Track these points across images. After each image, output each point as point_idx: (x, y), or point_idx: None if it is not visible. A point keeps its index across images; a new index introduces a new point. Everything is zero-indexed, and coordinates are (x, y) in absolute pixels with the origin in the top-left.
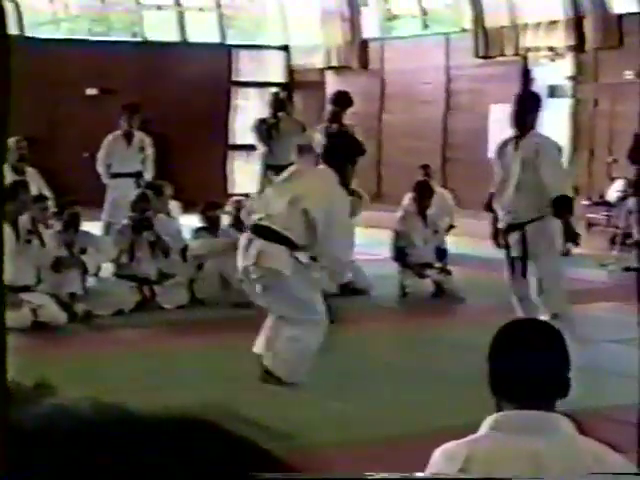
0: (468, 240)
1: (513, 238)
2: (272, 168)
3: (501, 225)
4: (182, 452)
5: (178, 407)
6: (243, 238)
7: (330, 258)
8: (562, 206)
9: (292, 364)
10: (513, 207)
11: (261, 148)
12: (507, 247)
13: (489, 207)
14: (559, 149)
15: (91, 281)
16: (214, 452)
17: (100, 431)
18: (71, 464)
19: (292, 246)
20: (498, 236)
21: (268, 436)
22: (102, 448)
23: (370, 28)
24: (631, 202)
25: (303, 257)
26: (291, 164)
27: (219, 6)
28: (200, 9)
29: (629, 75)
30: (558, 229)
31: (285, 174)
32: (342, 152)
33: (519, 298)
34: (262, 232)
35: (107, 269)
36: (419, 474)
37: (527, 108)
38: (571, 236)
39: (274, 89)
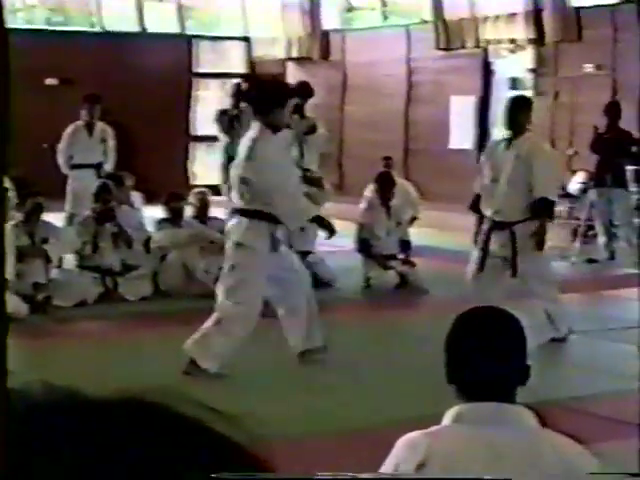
0: (431, 232)
1: (500, 237)
2: (234, 159)
3: (485, 225)
4: (133, 434)
5: (133, 391)
6: None
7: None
8: (543, 209)
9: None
10: (502, 207)
11: (223, 139)
12: (486, 245)
13: (474, 208)
14: (552, 153)
15: (54, 272)
16: (165, 434)
17: (50, 412)
18: (22, 445)
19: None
20: (478, 236)
21: (227, 423)
22: (52, 429)
23: (330, 19)
24: (592, 194)
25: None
26: None
27: None
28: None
29: (589, 68)
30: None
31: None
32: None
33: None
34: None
35: (70, 260)
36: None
37: (519, 110)
38: (539, 243)
39: (235, 80)
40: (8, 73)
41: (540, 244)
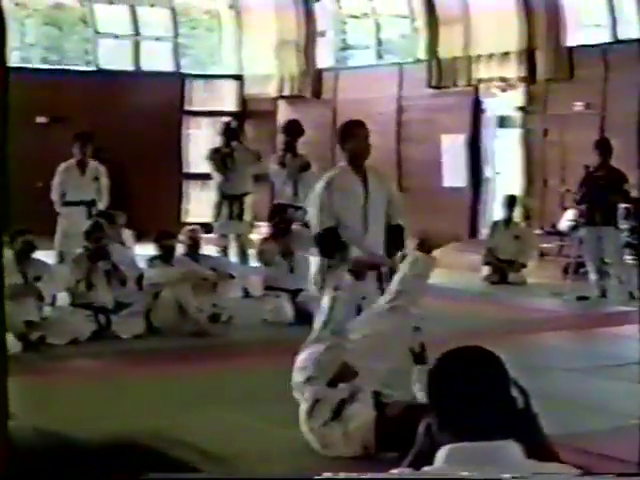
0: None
1: None
2: (228, 197)
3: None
4: (115, 476)
5: (119, 434)
6: None
7: None
8: (397, 237)
9: None
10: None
11: (217, 177)
12: None
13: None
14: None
15: (47, 310)
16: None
17: (40, 457)
18: None
19: None
20: None
21: (208, 461)
22: (41, 473)
23: (325, 58)
24: (582, 231)
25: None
26: (247, 193)
27: (176, 36)
28: (157, 38)
29: (579, 107)
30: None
31: None
32: None
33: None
34: None
35: (63, 298)
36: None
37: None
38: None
39: (226, 118)
40: (7, 110)
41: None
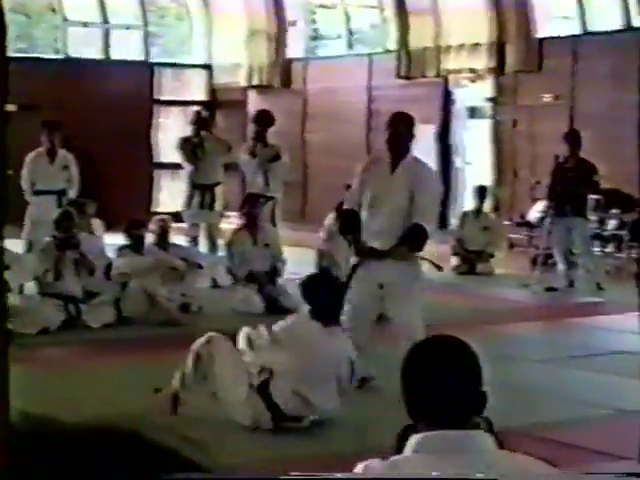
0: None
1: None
2: (199, 187)
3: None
4: (105, 459)
5: (103, 419)
6: None
7: None
8: (416, 237)
9: None
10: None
11: (188, 167)
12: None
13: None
14: (438, 183)
15: (15, 299)
16: (135, 459)
17: (29, 441)
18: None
19: None
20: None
21: (189, 445)
22: (31, 456)
23: (295, 48)
24: (551, 222)
25: None
26: (218, 183)
27: (146, 24)
28: (126, 27)
29: (547, 97)
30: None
31: None
32: None
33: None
34: None
35: (31, 288)
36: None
37: (402, 130)
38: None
39: (196, 107)
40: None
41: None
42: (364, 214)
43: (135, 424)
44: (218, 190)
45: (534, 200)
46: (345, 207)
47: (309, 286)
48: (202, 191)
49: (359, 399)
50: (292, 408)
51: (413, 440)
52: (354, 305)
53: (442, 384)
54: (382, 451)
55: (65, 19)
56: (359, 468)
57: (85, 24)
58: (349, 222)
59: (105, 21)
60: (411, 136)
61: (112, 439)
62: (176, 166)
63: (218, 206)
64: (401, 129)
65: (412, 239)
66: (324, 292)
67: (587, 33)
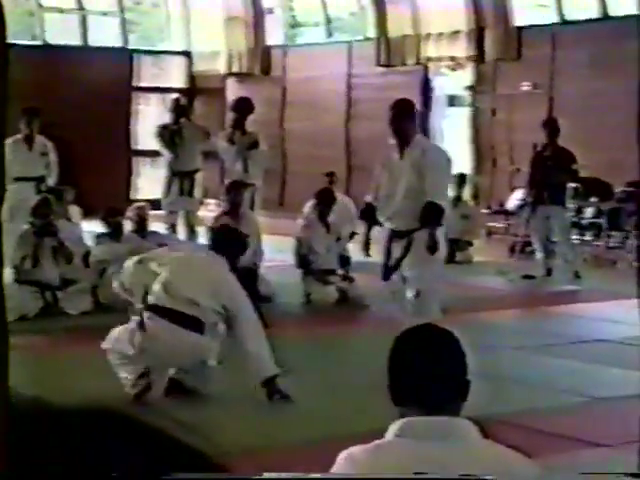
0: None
1: (399, 246)
2: (178, 174)
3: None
4: (99, 441)
5: (96, 400)
6: None
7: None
8: (431, 214)
9: None
10: (399, 215)
11: (166, 154)
12: (388, 255)
13: (364, 216)
14: (447, 158)
15: None
16: (129, 441)
17: (20, 419)
18: None
19: None
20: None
21: (181, 427)
22: (26, 437)
23: (274, 35)
24: (529, 211)
25: None
26: (196, 170)
27: (122, 10)
28: (103, 13)
29: (526, 86)
30: (440, 237)
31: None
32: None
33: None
34: None
35: (8, 275)
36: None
37: (404, 115)
38: (430, 249)
39: (175, 95)
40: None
41: (431, 250)
42: (381, 200)
43: (121, 407)
44: (197, 177)
45: (513, 188)
46: (365, 199)
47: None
48: (181, 178)
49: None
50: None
51: (396, 425)
52: None
53: (427, 371)
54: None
55: (40, 5)
56: (341, 458)
57: (61, 10)
58: (367, 214)
59: (81, 7)
60: (413, 120)
61: (102, 420)
62: (155, 153)
63: (197, 193)
64: (403, 114)
65: (428, 218)
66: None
67: (565, 22)
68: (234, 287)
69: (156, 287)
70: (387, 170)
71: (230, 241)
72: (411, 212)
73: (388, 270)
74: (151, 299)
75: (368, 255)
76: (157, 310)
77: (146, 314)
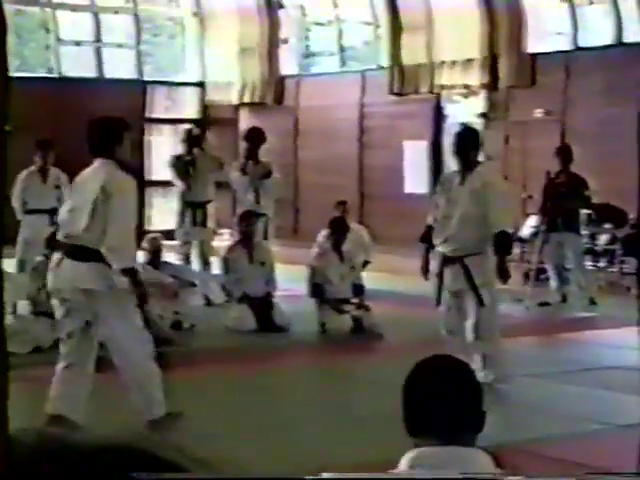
0: (385, 276)
1: (452, 271)
2: (191, 205)
3: (437, 258)
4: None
5: (114, 437)
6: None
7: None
8: (503, 243)
9: None
10: (455, 240)
11: (179, 185)
12: (441, 279)
13: (424, 239)
14: (505, 184)
15: (8, 319)
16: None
17: (44, 459)
18: None
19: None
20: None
21: (198, 464)
22: (46, 476)
23: (288, 65)
24: (544, 238)
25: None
26: (209, 201)
27: (138, 43)
28: (119, 45)
29: (539, 113)
30: (493, 263)
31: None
32: None
33: (449, 331)
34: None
35: (24, 307)
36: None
37: (468, 143)
38: (503, 275)
39: (188, 125)
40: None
41: (504, 276)
42: (437, 223)
43: (138, 441)
44: (210, 208)
45: (526, 215)
46: (427, 223)
47: None
48: (193, 209)
49: None
50: None
51: (409, 455)
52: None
53: (442, 403)
54: None
55: (58, 38)
56: None
57: (78, 43)
58: (426, 237)
59: (98, 39)
60: (477, 147)
61: (121, 457)
62: (167, 184)
63: (210, 223)
64: (468, 142)
65: (501, 246)
66: None
67: (579, 49)
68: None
69: None
70: (445, 194)
71: None
72: (465, 237)
73: (440, 296)
74: None
75: (426, 279)
76: None
77: None
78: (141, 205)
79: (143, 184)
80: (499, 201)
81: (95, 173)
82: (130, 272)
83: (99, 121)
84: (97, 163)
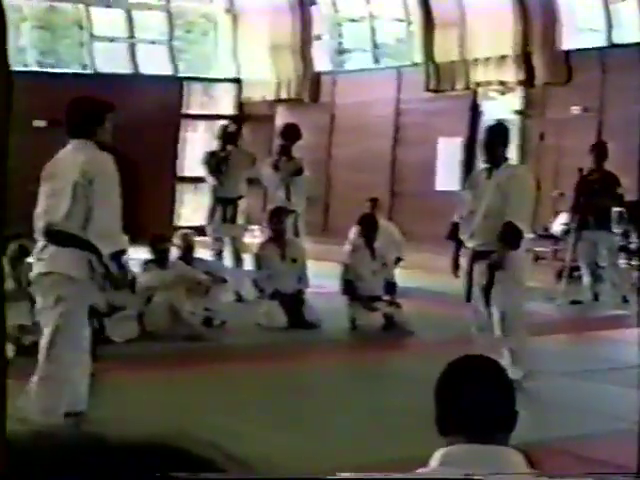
0: (417, 273)
1: (480, 267)
2: (222, 201)
3: (467, 254)
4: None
5: (150, 435)
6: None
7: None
8: (508, 234)
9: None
10: (481, 235)
11: (211, 181)
12: (470, 276)
13: (451, 236)
14: (529, 182)
15: None
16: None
17: (81, 457)
18: None
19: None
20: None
21: (232, 462)
22: (84, 472)
23: (322, 61)
24: (576, 235)
25: None
26: (240, 197)
27: (171, 39)
28: (152, 42)
29: (576, 110)
30: (525, 261)
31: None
32: None
33: (479, 328)
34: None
35: None
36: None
37: (496, 139)
38: (492, 265)
39: (223, 122)
40: (10, 109)
41: (493, 268)
42: (464, 218)
43: (179, 439)
44: (241, 204)
45: (557, 212)
46: (453, 220)
47: None
48: (224, 205)
49: None
50: None
51: (440, 453)
52: None
53: (475, 402)
54: None
55: (92, 35)
56: None
57: (111, 39)
58: (453, 233)
59: (131, 36)
60: (506, 144)
61: (156, 455)
62: (198, 180)
63: (240, 220)
64: (497, 138)
65: (506, 237)
66: None
67: (615, 45)
68: None
69: None
70: (472, 189)
71: None
72: (490, 231)
73: (471, 292)
74: None
75: (456, 276)
76: None
77: None
78: (172, 201)
79: (174, 179)
80: (520, 195)
81: (73, 155)
82: (117, 255)
83: (79, 100)
84: (73, 145)
